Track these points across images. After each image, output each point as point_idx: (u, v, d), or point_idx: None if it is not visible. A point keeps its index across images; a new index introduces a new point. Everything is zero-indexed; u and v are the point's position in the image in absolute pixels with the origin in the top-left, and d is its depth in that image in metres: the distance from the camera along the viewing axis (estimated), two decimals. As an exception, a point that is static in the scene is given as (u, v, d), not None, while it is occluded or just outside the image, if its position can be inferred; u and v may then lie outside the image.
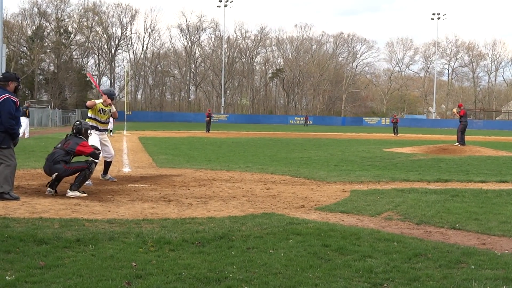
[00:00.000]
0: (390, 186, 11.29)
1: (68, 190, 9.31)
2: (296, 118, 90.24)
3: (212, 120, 44.50)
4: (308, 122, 79.70)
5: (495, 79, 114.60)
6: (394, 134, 45.07)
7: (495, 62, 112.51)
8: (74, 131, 9.87)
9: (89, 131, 10.14)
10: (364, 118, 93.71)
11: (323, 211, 8.32)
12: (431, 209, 8.43)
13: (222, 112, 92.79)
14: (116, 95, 13.32)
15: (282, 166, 15.48)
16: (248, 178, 12.42)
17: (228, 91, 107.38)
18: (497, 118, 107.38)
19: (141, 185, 10.80)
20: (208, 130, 43.32)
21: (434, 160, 18.48)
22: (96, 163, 9.92)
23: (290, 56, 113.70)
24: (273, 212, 8.03)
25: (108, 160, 11.74)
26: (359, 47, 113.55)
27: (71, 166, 9.48)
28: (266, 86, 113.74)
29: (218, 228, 6.71)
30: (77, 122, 10.04)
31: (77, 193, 9.25)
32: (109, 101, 11.53)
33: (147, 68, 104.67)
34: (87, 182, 10.18)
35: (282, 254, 5.58)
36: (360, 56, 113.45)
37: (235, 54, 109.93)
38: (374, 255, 5.61)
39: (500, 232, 6.90)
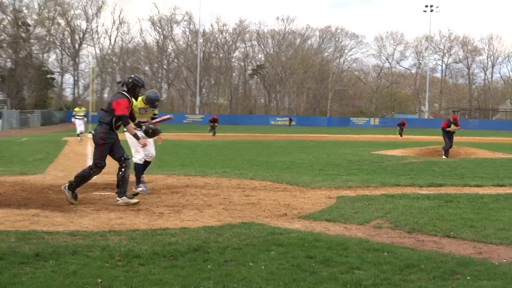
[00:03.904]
0: (380, 191, 11.34)
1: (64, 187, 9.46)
2: (278, 119, 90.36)
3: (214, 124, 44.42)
4: (292, 123, 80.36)
5: (492, 76, 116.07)
6: (400, 136, 45.42)
7: (492, 57, 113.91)
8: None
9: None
10: (351, 118, 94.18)
11: (307, 219, 8.32)
12: (423, 216, 8.49)
13: (196, 112, 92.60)
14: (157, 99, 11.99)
15: (262, 171, 15.48)
16: (225, 184, 12.39)
17: (203, 90, 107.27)
18: (493, 118, 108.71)
19: (108, 193, 10.70)
20: (213, 134, 43.17)
21: (427, 163, 18.62)
22: (100, 167, 9.66)
23: (271, 51, 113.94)
24: (252, 221, 8.01)
25: (148, 159, 11.53)
26: (346, 41, 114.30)
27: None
28: (245, 84, 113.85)
29: (193, 239, 6.67)
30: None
31: (68, 194, 9.28)
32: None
33: (114, 65, 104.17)
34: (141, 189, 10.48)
35: (262, 267, 5.57)
36: (348, 51, 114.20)
37: (212, 49, 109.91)
38: (362, 267, 5.62)
39: (498, 240, 6.96)
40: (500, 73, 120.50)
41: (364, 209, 9.14)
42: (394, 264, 5.71)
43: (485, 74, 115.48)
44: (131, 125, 9.79)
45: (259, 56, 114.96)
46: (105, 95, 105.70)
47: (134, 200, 9.43)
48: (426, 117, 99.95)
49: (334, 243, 6.54)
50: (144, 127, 10.32)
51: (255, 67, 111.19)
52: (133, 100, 10.04)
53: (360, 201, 9.91)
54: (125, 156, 9.62)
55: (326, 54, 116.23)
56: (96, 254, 5.93)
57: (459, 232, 7.37)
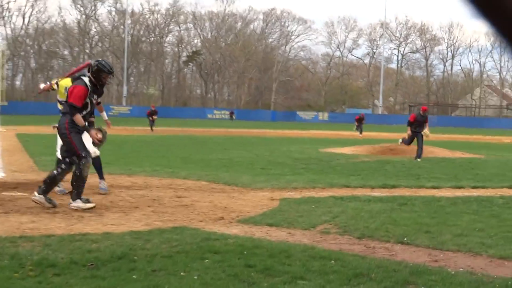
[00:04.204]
0: (328, 193, 11.50)
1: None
2: (215, 112, 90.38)
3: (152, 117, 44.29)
4: (233, 117, 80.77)
5: (451, 68, 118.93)
6: (359, 133, 46.18)
7: (452, 48, 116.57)
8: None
9: None
10: (297, 112, 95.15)
11: (246, 223, 8.36)
12: (375, 220, 8.64)
13: (123, 103, 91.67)
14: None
15: (197, 169, 15.49)
16: (155, 184, 12.38)
17: (131, 78, 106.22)
18: (452, 114, 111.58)
19: (19, 194, 10.51)
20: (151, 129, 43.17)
21: (380, 162, 18.98)
22: (85, 157, 9.37)
23: (209, 36, 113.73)
24: (185, 225, 8.01)
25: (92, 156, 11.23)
26: (293, 26, 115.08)
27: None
28: (179, 72, 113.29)
29: (117, 246, 6.62)
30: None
31: (80, 205, 9.09)
32: None
33: (28, 48, 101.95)
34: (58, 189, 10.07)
35: (195, 277, 5.56)
36: (295, 38, 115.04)
37: (141, 32, 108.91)
38: (307, 276, 5.68)
39: (455, 246, 7.15)
40: (460, 65, 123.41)
41: (310, 212, 9.23)
42: (342, 273, 5.79)
43: (445, 65, 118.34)
44: (80, 116, 9.33)
45: (195, 41, 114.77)
46: (17, 83, 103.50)
47: (90, 205, 9.15)
48: (380, 112, 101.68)
49: (276, 250, 6.58)
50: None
51: (191, 53, 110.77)
52: (99, 88, 9.66)
53: (306, 204, 10.01)
54: (83, 154, 9.32)
55: (270, 40, 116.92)
56: (4, 263, 5.81)
57: (414, 238, 7.53)
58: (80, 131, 9.37)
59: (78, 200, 9.14)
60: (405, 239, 7.48)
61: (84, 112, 9.39)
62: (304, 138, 36.50)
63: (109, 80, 9.84)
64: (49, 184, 9.33)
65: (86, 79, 9.42)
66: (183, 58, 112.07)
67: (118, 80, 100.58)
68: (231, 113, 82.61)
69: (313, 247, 6.89)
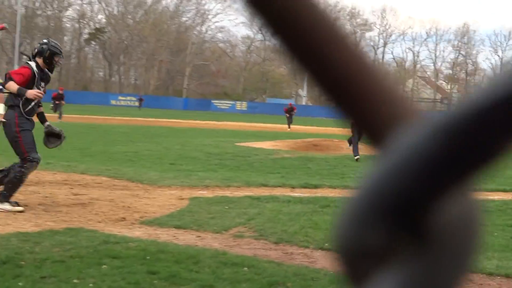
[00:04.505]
0: (243, 192, 11.59)
1: None
2: (120, 98, 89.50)
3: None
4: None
5: (383, 56, 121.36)
6: (288, 126, 46.64)
7: (384, 34, 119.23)
8: None
9: None
10: (213, 101, 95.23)
11: (151, 225, 8.37)
12: (294, 223, 8.76)
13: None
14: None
15: (97, 163, 15.38)
16: (47, 179, 12.29)
17: (24, 57, 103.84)
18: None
19: None
20: (59, 116, 42.20)
21: (302, 159, 19.20)
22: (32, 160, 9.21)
23: (115, 12, 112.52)
24: (81, 227, 7.96)
25: None
26: (211, 5, 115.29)
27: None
28: (79, 51, 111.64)
29: (1, 249, 6.54)
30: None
31: (7, 207, 8.91)
32: None
33: None
34: None
35: (91, 285, 5.53)
36: (212, 17, 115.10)
37: (37, 4, 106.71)
38: (217, 285, 5.72)
39: (379, 253, 7.32)
40: (392, 54, 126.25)
41: (222, 214, 9.30)
42: (255, 282, 5.85)
43: (376, 53, 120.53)
44: (13, 83, 9.31)
45: (99, 16, 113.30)
46: None
47: (19, 208, 9.03)
48: (303, 103, 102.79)
49: (183, 256, 6.60)
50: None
51: (93, 31, 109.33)
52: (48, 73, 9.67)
53: (219, 204, 10.08)
54: (30, 158, 9.25)
55: (184, 19, 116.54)
56: None
57: (335, 244, 7.66)
58: (31, 127, 9.34)
59: (6, 203, 9.02)
60: (326, 244, 7.59)
61: (33, 103, 9.44)
62: (219, 130, 36.59)
63: (60, 62, 9.95)
64: (11, 188, 9.28)
65: (32, 64, 9.47)
66: (85, 36, 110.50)
67: (9, 57, 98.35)
68: (141, 99, 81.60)
69: (224, 252, 6.94)
